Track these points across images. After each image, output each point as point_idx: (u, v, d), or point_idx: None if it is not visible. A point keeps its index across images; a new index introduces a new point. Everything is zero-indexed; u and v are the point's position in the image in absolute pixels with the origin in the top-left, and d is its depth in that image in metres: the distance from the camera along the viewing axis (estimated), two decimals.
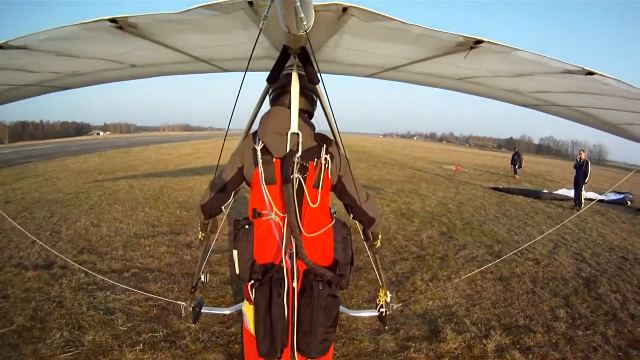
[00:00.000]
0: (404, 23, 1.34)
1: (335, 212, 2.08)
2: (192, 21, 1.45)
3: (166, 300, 3.65)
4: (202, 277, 2.56)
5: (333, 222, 2.00)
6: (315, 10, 1.33)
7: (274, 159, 1.88)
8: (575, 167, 12.79)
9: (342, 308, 2.70)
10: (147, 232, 6.53)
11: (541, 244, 6.89)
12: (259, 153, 1.88)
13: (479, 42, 1.40)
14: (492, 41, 1.39)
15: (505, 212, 10.10)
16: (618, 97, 1.80)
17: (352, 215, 2.21)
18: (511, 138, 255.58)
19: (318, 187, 1.92)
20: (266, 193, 1.87)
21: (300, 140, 1.84)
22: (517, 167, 21.93)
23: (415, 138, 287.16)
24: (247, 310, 1.97)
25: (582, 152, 13.35)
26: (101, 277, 3.96)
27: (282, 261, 1.84)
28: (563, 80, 1.77)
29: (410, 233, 7.08)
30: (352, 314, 3.09)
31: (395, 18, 1.31)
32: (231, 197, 2.14)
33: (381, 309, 2.47)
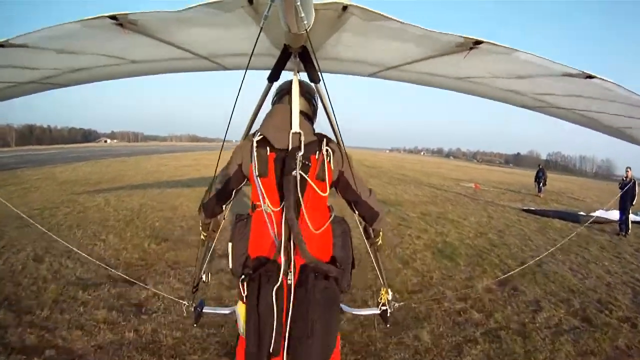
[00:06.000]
0: (403, 23, 1.36)
1: (332, 207, 2.03)
2: (192, 19, 1.47)
3: (169, 299, 3.48)
4: (204, 277, 2.52)
5: (332, 217, 1.98)
6: (315, 9, 1.35)
7: (268, 153, 1.85)
8: (620, 188, 11.00)
9: (342, 306, 2.54)
10: (95, 276, 4.72)
11: (616, 289, 5.47)
12: (254, 145, 1.86)
13: (479, 42, 1.41)
14: (491, 42, 1.40)
15: (554, 243, 8.35)
16: (618, 102, 1.80)
17: (356, 212, 2.15)
18: (518, 154, 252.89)
19: (323, 180, 1.87)
20: (259, 184, 1.84)
21: (302, 139, 1.83)
22: (541, 185, 20.51)
23: (422, 153, 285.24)
24: (240, 310, 1.90)
25: (628, 170, 11.24)
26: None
27: (275, 255, 1.79)
28: (563, 84, 1.76)
29: (460, 284, 5.16)
30: (353, 312, 2.89)
31: (394, 18, 1.34)
32: (232, 196, 2.09)
33: (383, 307, 2.40)
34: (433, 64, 1.91)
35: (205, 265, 2.57)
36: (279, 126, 1.88)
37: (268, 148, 1.85)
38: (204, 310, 2.51)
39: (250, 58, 1.55)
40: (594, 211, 13.06)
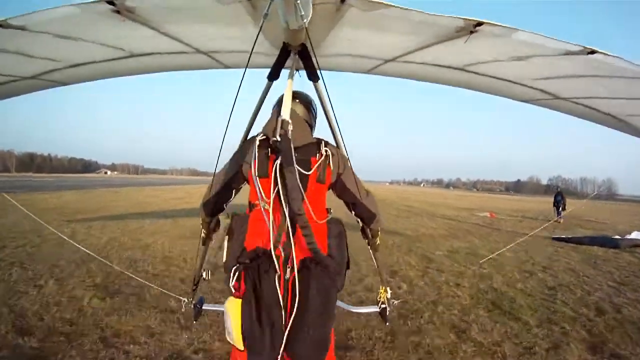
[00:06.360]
0: (403, 9, 1.36)
1: (330, 209, 2.00)
2: (190, 8, 1.53)
3: (168, 295, 3.37)
4: (204, 274, 2.50)
5: (329, 217, 1.96)
6: (313, 4, 1.36)
7: (269, 154, 1.83)
8: None
9: (342, 304, 2.60)
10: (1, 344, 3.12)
11: None
12: (256, 145, 1.84)
13: (479, 24, 1.40)
14: (491, 22, 1.39)
15: (612, 276, 6.99)
16: (619, 78, 1.76)
17: (354, 213, 2.17)
18: (519, 180, 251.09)
19: (322, 182, 1.90)
20: (257, 184, 1.81)
21: (291, 128, 1.78)
22: (560, 209, 18.96)
23: (422, 185, 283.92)
24: (231, 306, 1.72)
25: None
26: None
27: (272, 248, 1.73)
28: (564, 63, 1.73)
29: None
30: (353, 310, 2.83)
31: (394, 5, 1.34)
32: (233, 195, 2.09)
33: (382, 305, 2.44)
34: (434, 53, 1.89)
35: (205, 263, 2.55)
36: (277, 125, 1.86)
37: (269, 149, 1.83)
38: (203, 307, 2.48)
39: (250, 56, 1.58)
40: (628, 234, 11.99)
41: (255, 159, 1.81)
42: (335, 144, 2.17)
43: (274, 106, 2.08)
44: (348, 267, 1.99)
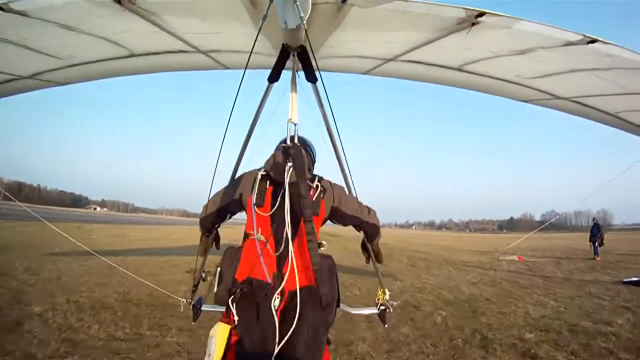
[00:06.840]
0: (404, 1, 1.40)
1: (324, 244, 2.05)
2: (190, 3, 1.57)
3: (168, 295, 3.45)
4: (203, 275, 2.53)
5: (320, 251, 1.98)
6: (314, 4, 1.42)
7: (267, 187, 1.95)
8: None
9: (342, 305, 2.57)
10: None
11: None
12: (258, 178, 1.96)
13: (481, 14, 1.41)
14: (494, 12, 1.41)
15: None
16: (619, 69, 1.79)
17: (361, 232, 2.28)
18: (512, 218, 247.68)
19: (317, 214, 1.95)
20: (254, 214, 1.91)
21: (296, 129, 2.06)
22: (597, 245, 17.04)
23: (414, 227, 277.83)
24: (220, 331, 1.74)
25: None
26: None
27: (267, 277, 1.83)
28: (564, 56, 1.74)
29: None
30: (352, 312, 2.80)
31: None
32: (226, 218, 2.23)
33: (381, 307, 2.46)
34: (434, 50, 1.89)
35: (204, 265, 2.58)
36: (279, 162, 1.97)
37: (268, 182, 1.97)
38: (202, 308, 2.52)
39: (250, 56, 1.64)
40: None
41: (255, 190, 1.91)
42: (333, 146, 2.31)
43: (277, 148, 2.17)
44: (338, 305, 2.01)
